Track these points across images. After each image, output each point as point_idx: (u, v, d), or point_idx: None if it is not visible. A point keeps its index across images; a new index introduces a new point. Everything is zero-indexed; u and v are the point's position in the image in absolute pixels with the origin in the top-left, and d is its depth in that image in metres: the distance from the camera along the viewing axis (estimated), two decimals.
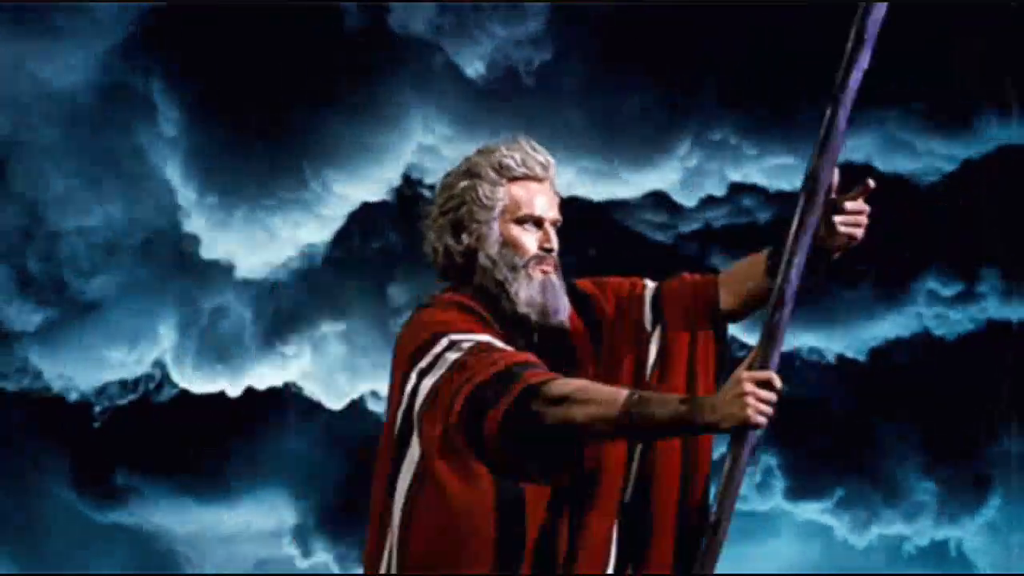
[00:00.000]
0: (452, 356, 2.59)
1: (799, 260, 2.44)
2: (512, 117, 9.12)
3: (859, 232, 2.57)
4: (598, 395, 2.44)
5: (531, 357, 2.59)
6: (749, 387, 2.35)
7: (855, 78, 2.44)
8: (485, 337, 2.63)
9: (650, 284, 2.87)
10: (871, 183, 2.56)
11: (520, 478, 2.54)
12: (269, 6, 8.78)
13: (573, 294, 2.83)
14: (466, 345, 2.59)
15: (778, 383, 2.37)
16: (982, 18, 8.46)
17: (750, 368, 2.39)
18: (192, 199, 9.36)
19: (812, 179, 2.47)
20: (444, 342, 2.62)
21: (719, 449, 2.61)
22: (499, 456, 2.50)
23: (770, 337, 2.42)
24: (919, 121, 9.24)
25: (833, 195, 2.54)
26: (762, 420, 2.35)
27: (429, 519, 2.58)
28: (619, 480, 2.72)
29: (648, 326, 2.81)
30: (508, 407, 2.46)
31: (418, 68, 9.34)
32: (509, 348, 2.63)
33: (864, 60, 2.43)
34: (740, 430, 2.38)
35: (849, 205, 2.55)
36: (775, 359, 2.41)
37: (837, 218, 2.54)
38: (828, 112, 2.44)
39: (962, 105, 9.09)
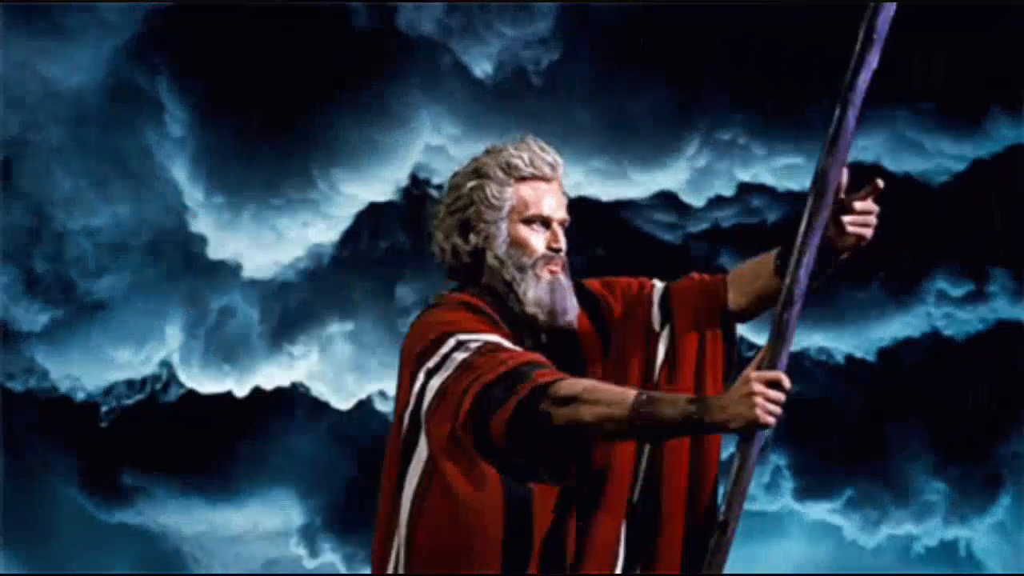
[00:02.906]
0: (460, 356, 2.58)
1: (808, 260, 2.43)
2: (520, 117, 9.11)
3: (868, 232, 2.56)
4: (607, 395, 2.43)
5: (539, 357, 2.58)
6: (758, 387, 2.36)
7: (864, 78, 2.42)
8: (493, 337, 2.61)
9: (659, 284, 2.85)
10: (880, 183, 2.54)
11: (528, 479, 2.53)
12: (276, 6, 8.77)
13: (581, 294, 2.81)
14: (474, 345, 2.58)
15: (787, 383, 2.38)
16: (992, 17, 8.44)
17: (759, 368, 2.40)
18: (199, 199, 9.36)
19: (821, 179, 2.46)
20: (452, 342, 2.61)
21: (727, 449, 2.60)
22: (506, 456, 2.49)
23: (779, 336, 2.42)
24: (929, 121, 9.22)
25: (842, 195, 2.52)
26: (771, 420, 2.36)
27: (437, 519, 2.55)
28: (627, 480, 2.71)
29: (656, 326, 2.79)
30: (516, 407, 2.45)
31: (426, 68, 9.34)
32: (517, 348, 2.62)
33: (873, 60, 2.41)
34: (749, 430, 2.39)
35: (858, 205, 2.54)
36: (784, 358, 2.41)
37: (846, 218, 2.53)
38: (837, 112, 2.43)
39: (972, 105, 9.07)
